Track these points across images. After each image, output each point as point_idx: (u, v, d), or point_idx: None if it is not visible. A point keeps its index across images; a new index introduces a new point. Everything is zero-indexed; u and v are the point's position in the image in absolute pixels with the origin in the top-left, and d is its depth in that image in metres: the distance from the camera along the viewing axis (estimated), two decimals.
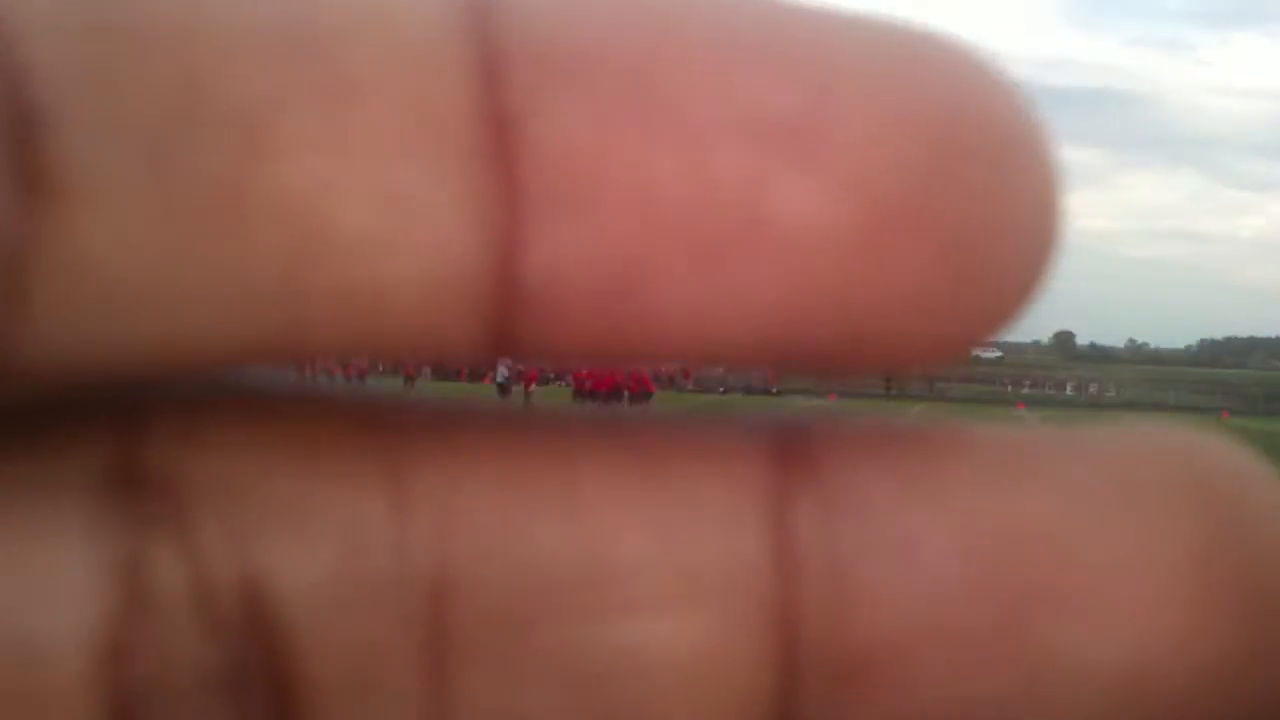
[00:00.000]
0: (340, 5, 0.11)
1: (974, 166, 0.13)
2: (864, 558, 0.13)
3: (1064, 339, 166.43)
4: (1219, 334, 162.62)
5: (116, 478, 0.12)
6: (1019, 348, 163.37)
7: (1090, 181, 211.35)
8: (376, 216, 0.10)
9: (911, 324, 0.13)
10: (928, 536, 0.14)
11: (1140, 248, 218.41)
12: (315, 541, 0.12)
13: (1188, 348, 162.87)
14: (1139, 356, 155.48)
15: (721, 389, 59.21)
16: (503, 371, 38.03)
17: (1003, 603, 0.13)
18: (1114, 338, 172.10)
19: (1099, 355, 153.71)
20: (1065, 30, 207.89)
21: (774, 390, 59.52)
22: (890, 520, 0.14)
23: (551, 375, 58.80)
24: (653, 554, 0.13)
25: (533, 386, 49.25)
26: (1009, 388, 66.00)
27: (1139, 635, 0.13)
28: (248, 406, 0.13)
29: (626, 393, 36.60)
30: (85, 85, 0.10)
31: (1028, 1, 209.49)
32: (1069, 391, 65.21)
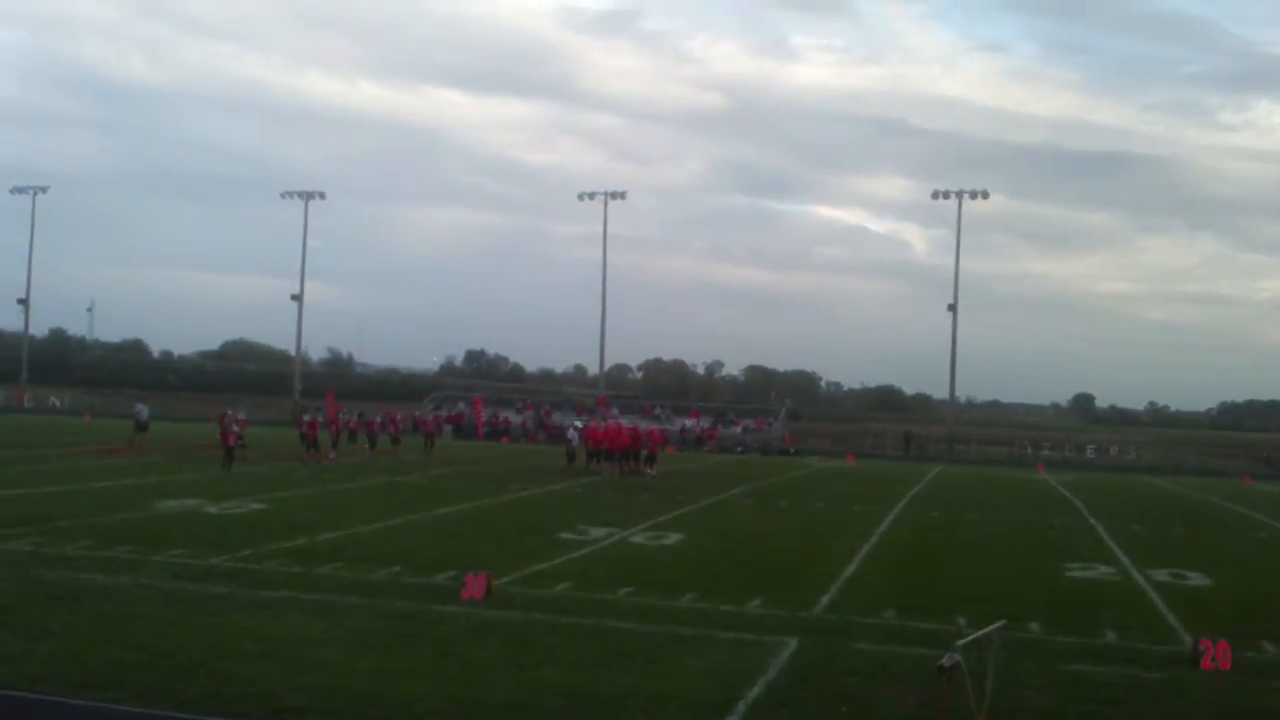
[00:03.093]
0: None
1: None
2: None
3: (1083, 401, 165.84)
4: (1239, 397, 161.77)
5: None
6: (1039, 410, 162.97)
7: (1109, 245, 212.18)
8: None
9: None
10: None
11: (1159, 311, 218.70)
12: None
13: (1208, 410, 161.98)
14: (1159, 419, 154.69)
15: (740, 449, 59.37)
16: (571, 434, 38.61)
17: None
18: (1134, 400, 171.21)
19: (1119, 418, 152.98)
20: (1083, 94, 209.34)
21: (792, 451, 59.68)
22: None
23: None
24: None
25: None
26: (1029, 450, 65.94)
27: None
28: None
29: (641, 452, 36.84)
30: None
31: (1044, 66, 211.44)
32: (1089, 454, 65.05)
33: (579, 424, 42.18)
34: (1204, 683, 10.87)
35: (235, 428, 32.26)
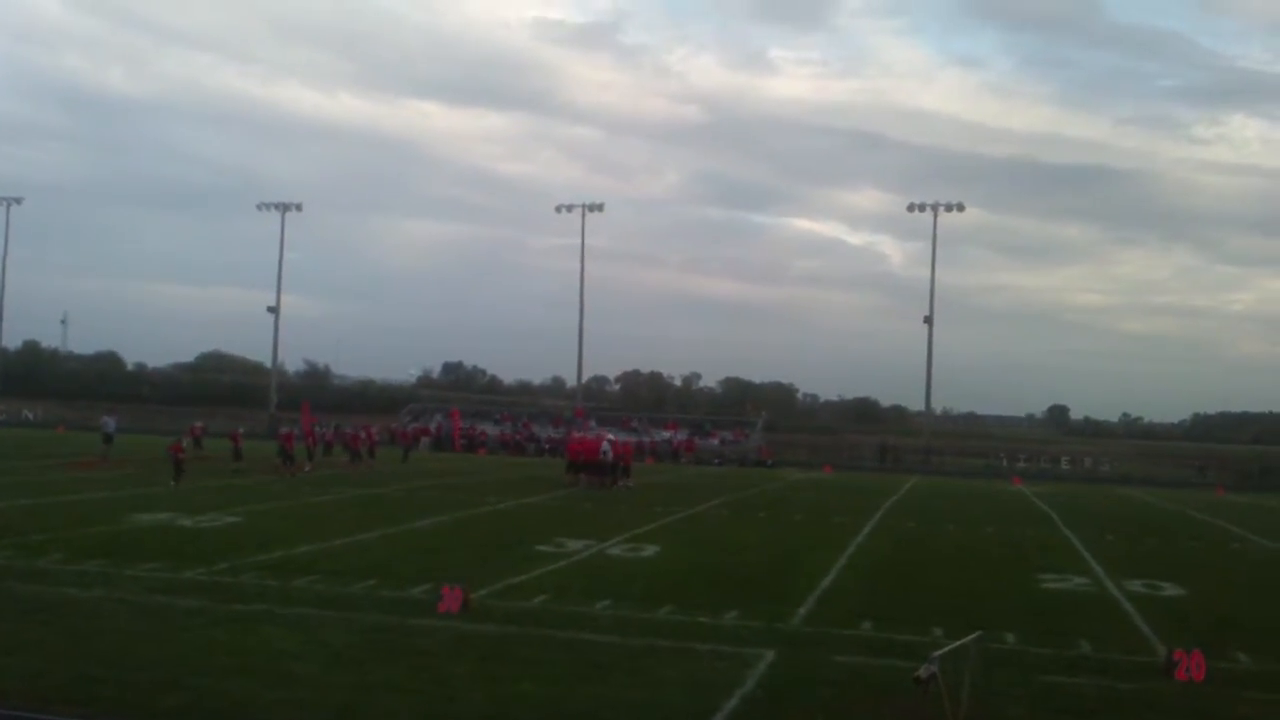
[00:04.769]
0: None
1: None
2: None
3: (1058, 413, 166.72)
4: (1212, 409, 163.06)
5: None
6: (1014, 422, 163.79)
7: (1084, 257, 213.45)
8: None
9: None
10: None
11: (1133, 323, 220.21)
12: None
13: (1181, 422, 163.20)
14: (1133, 431, 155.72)
15: (717, 461, 59.39)
16: (604, 448, 38.33)
17: None
18: (1108, 412, 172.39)
19: (1093, 429, 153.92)
20: (1058, 108, 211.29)
21: (769, 463, 59.73)
22: None
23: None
24: None
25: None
26: (1005, 461, 66.25)
27: None
28: None
29: (611, 465, 36.67)
30: None
31: (1020, 81, 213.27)
32: (1064, 465, 65.40)
33: (611, 437, 42.04)
34: (1178, 693, 10.93)
35: (185, 441, 31.80)
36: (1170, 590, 18.10)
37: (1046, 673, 11.56)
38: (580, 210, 74.01)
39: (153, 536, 19.21)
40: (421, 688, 9.90)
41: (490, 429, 65.65)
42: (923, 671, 8.06)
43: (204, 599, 13.61)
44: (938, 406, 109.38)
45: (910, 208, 70.27)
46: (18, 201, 79.05)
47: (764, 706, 9.81)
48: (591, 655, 11.47)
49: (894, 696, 9.93)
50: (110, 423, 40.43)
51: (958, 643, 9.09)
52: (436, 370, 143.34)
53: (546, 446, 59.99)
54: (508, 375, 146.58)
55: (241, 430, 39.06)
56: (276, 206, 75.74)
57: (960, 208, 69.80)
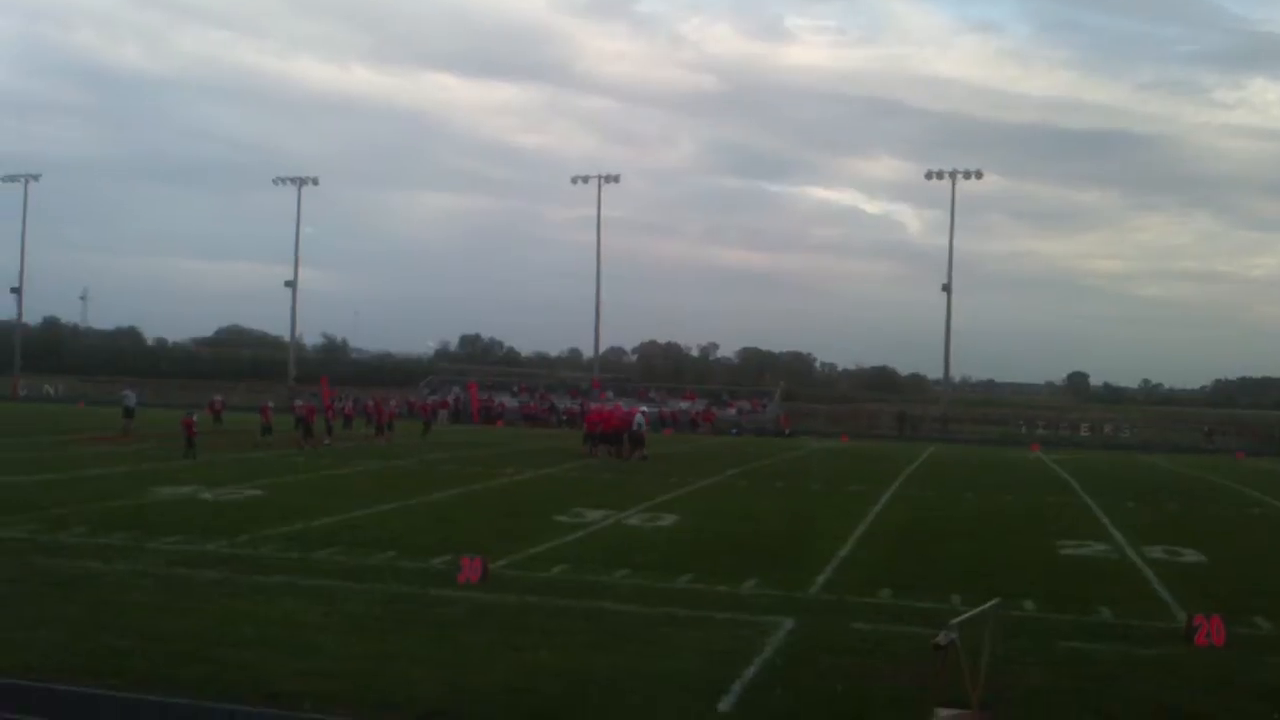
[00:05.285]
0: None
1: None
2: None
3: (1077, 380, 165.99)
4: (1232, 374, 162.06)
5: None
6: (1034, 389, 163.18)
7: (1104, 223, 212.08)
8: None
9: None
10: None
11: (1154, 288, 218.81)
12: None
13: (1201, 388, 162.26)
14: (1153, 397, 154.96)
15: (734, 430, 59.41)
16: (639, 420, 38.28)
17: None
18: (1128, 378, 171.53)
19: (1113, 396, 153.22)
20: (1077, 73, 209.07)
21: (787, 432, 59.71)
22: None
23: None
24: None
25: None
26: (1024, 428, 66.08)
27: None
28: None
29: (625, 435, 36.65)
30: None
31: (1038, 46, 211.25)
32: (1083, 433, 65.19)
33: (645, 410, 42.07)
34: (1198, 659, 10.91)
35: (197, 415, 31.60)
36: (1190, 556, 18.03)
37: (1066, 639, 11.54)
38: (596, 181, 73.88)
39: (174, 510, 19.35)
40: (442, 658, 9.96)
41: (508, 400, 65.81)
42: (942, 638, 8.05)
43: (225, 571, 13.71)
44: (956, 375, 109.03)
45: (928, 175, 69.88)
46: (35, 178, 79.47)
47: (783, 674, 9.83)
48: (610, 625, 11.52)
49: (913, 663, 9.94)
50: (131, 396, 40.67)
51: (977, 610, 9.07)
52: (454, 342, 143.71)
53: (564, 418, 60.12)
54: (525, 347, 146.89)
55: (271, 404, 39.05)
56: (293, 181, 75.89)
57: (979, 175, 69.39)
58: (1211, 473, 39.53)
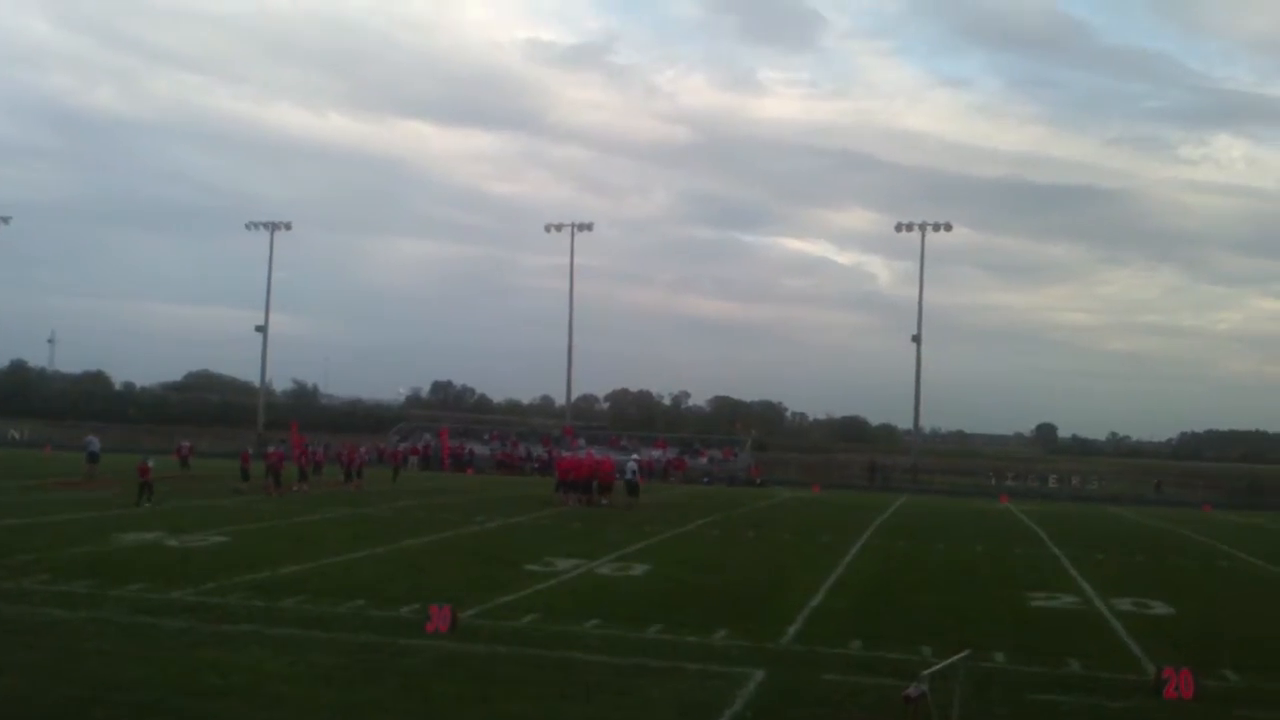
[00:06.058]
0: None
1: None
2: None
3: (1046, 431, 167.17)
4: (1199, 427, 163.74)
5: None
6: (1002, 440, 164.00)
7: (1072, 277, 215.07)
8: None
9: None
10: None
11: (1120, 342, 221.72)
12: None
13: (1168, 440, 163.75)
14: (1120, 449, 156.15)
15: (706, 479, 59.35)
16: (632, 467, 38.07)
17: None
18: (1095, 430, 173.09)
19: (1080, 448, 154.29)
20: (1046, 129, 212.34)
21: (758, 482, 59.68)
22: None
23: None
24: None
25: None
26: (993, 480, 66.33)
27: None
28: None
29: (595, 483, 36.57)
30: None
31: (1007, 101, 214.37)
32: (1052, 484, 65.51)
33: (637, 457, 41.89)
34: (1167, 711, 10.94)
35: (152, 462, 30.78)
36: (1159, 608, 18.12)
37: (1036, 691, 11.55)
38: (570, 230, 74.22)
39: (139, 556, 19.11)
40: (410, 708, 9.86)
41: (479, 448, 65.52)
42: (912, 690, 8.06)
43: (191, 619, 13.54)
44: (926, 425, 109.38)
45: (898, 227, 70.60)
46: (5, 221, 78.81)
47: None
48: (580, 675, 11.44)
49: (884, 715, 9.92)
50: (94, 442, 40.29)
51: (947, 661, 9.08)
52: (425, 389, 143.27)
53: (536, 466, 59.89)
54: (497, 394, 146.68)
55: (250, 450, 38.69)
56: (265, 225, 75.77)
57: (948, 227, 70.15)
58: (1179, 525, 39.77)
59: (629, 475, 37.29)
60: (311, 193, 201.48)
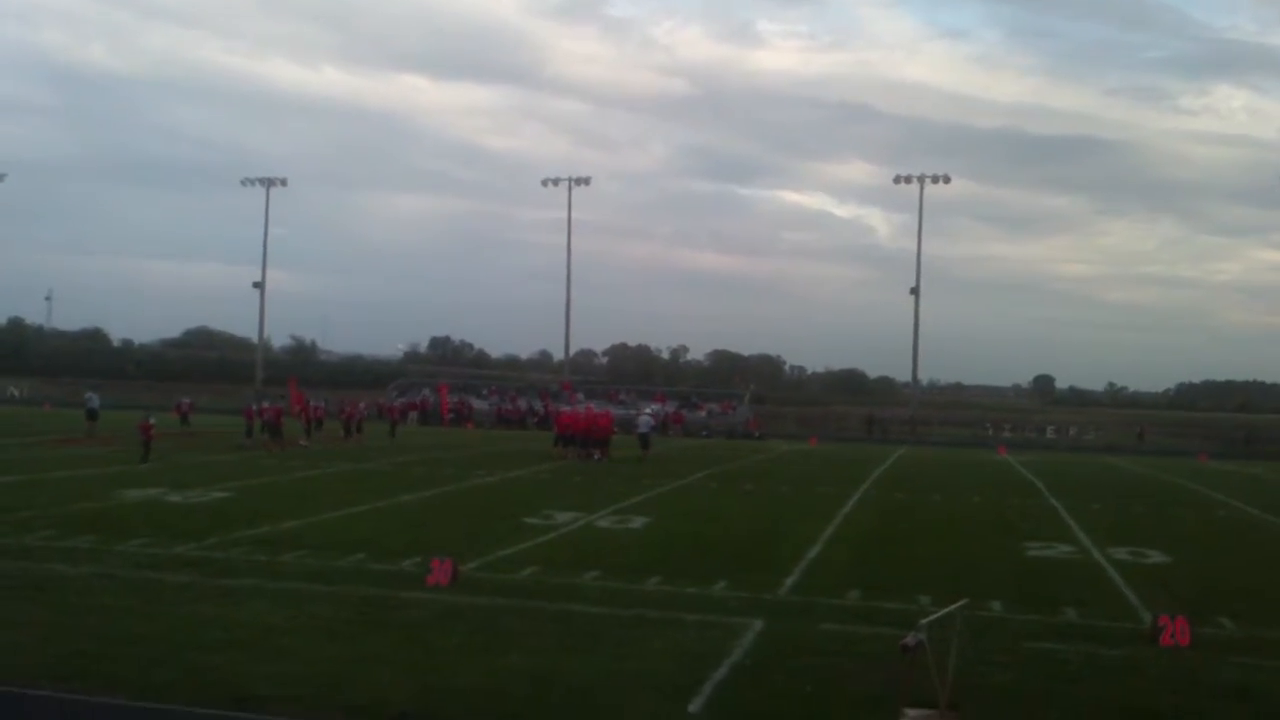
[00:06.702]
0: None
1: None
2: None
3: (1044, 383, 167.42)
4: (1196, 377, 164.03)
5: None
6: (1001, 391, 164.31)
7: (1071, 228, 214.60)
8: None
9: None
10: None
11: (1119, 293, 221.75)
12: None
13: (1166, 391, 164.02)
14: (1118, 400, 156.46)
15: (704, 433, 59.50)
16: (647, 421, 38.17)
17: None
18: (1093, 381, 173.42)
19: (1078, 399, 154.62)
20: (1045, 80, 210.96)
21: (757, 435, 59.86)
22: None
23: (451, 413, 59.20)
24: None
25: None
26: (990, 431, 66.55)
27: None
28: None
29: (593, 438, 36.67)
30: None
31: (1006, 52, 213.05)
32: (1049, 435, 65.74)
33: (650, 410, 41.98)
34: (1163, 659, 11.02)
35: (154, 419, 30.82)
36: (1155, 557, 18.22)
37: (1033, 639, 11.64)
38: (567, 184, 73.94)
39: (141, 512, 19.19)
40: (412, 660, 9.93)
41: (478, 403, 65.60)
42: (909, 639, 8.12)
43: (193, 574, 13.61)
44: (924, 377, 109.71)
45: (897, 179, 70.39)
46: (1, 178, 78.44)
47: (753, 675, 9.87)
48: (581, 626, 11.52)
49: (882, 664, 10.00)
50: (94, 399, 40.28)
51: (944, 610, 9.14)
52: (424, 345, 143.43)
53: (535, 420, 60.00)
54: (495, 349, 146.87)
55: (255, 407, 38.21)
56: (261, 182, 75.50)
57: (947, 179, 69.95)
58: (1175, 475, 39.93)
59: (643, 429, 37.76)
60: (307, 147, 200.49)
